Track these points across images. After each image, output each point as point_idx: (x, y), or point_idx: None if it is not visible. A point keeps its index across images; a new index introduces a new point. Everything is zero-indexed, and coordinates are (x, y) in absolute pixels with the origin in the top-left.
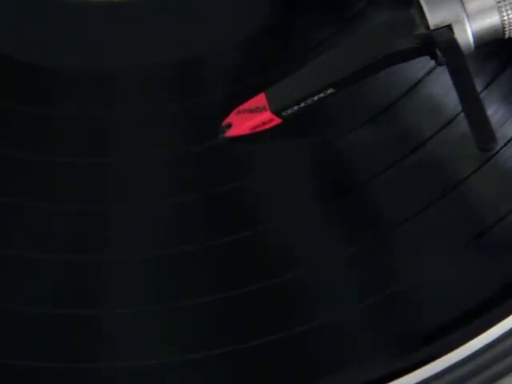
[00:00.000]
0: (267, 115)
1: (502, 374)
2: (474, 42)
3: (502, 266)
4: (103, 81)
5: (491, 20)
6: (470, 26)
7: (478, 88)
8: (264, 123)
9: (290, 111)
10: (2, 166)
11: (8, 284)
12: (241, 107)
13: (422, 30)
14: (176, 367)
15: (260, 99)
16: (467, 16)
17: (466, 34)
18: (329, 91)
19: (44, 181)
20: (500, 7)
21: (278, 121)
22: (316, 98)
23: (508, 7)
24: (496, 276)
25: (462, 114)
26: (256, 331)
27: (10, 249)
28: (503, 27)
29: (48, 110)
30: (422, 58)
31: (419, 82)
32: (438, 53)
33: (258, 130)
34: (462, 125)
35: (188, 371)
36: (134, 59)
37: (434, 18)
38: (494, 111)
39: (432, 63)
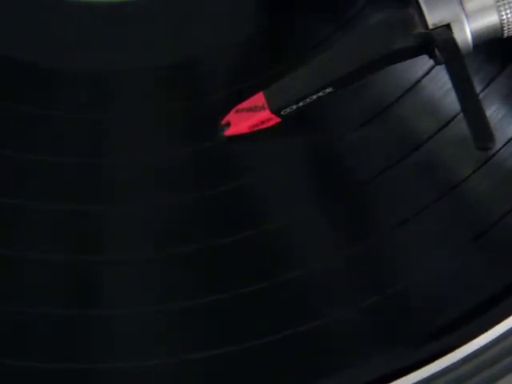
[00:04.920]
0: (266, 114)
1: (502, 374)
2: (473, 41)
3: (502, 266)
4: (103, 81)
5: (490, 19)
6: (469, 25)
7: (478, 88)
8: (263, 122)
9: (288, 110)
10: (1, 166)
11: (8, 284)
12: (239, 106)
13: (420, 30)
14: (176, 367)
15: (259, 98)
16: (466, 15)
17: (465, 33)
18: (327, 90)
19: (44, 181)
20: (499, 6)
21: (276, 120)
22: (315, 97)
23: (507, 6)
24: (496, 276)
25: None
26: (256, 331)
27: (9, 249)
28: (502, 26)
29: (48, 110)
30: (421, 58)
31: (418, 81)
32: (437, 52)
33: (257, 128)
34: (462, 124)
35: (188, 371)
36: (133, 59)
37: (433, 17)
38: (493, 111)
39: (431, 63)
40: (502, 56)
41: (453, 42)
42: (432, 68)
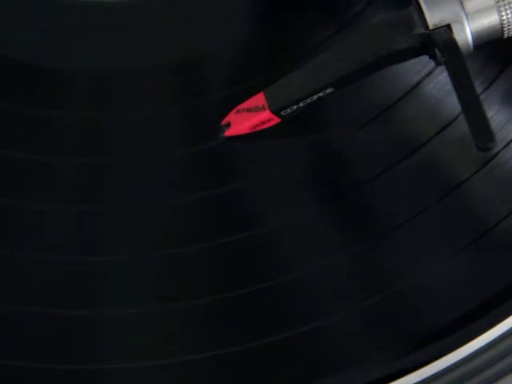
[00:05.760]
0: (266, 115)
1: (502, 374)
2: (473, 41)
3: (502, 266)
4: (103, 81)
5: (490, 20)
6: (469, 25)
7: (479, 89)
8: (263, 122)
9: (288, 111)
10: (1, 166)
11: (8, 284)
12: (240, 106)
13: (420, 30)
14: (176, 367)
15: (259, 98)
16: (466, 16)
17: (465, 33)
18: (328, 90)
19: (44, 181)
20: (499, 7)
21: (277, 120)
22: (315, 97)
23: (507, 7)
24: (496, 276)
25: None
26: (256, 331)
27: (9, 249)
28: (502, 27)
29: (48, 110)
30: (422, 59)
31: (419, 82)
32: (437, 53)
33: (257, 129)
34: (463, 126)
35: (188, 371)
36: (133, 59)
37: (433, 17)
38: (494, 112)
39: (432, 64)
40: (502, 57)
41: (453, 43)
42: (433, 69)
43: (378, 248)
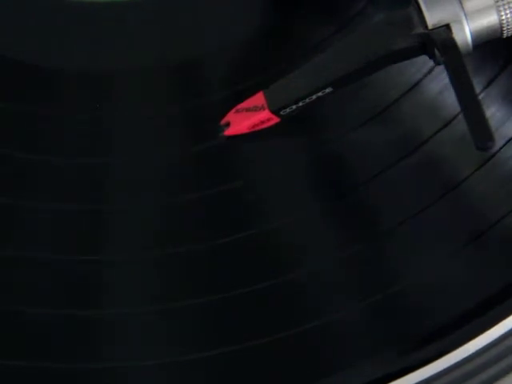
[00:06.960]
0: (265, 114)
1: (502, 374)
2: (472, 41)
3: (501, 266)
4: (103, 81)
5: (489, 19)
6: (468, 25)
7: (478, 88)
8: (262, 122)
9: (288, 110)
10: (1, 166)
11: (8, 284)
12: (239, 106)
13: (420, 30)
14: (176, 367)
15: (258, 98)
16: (465, 15)
17: (464, 33)
18: (327, 90)
19: (44, 181)
20: (498, 6)
21: (276, 120)
22: (314, 97)
23: (506, 6)
24: (496, 276)
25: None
26: (256, 331)
27: (9, 249)
28: (501, 26)
29: (48, 110)
30: (421, 58)
31: (419, 82)
32: (437, 52)
33: (257, 128)
34: (462, 125)
35: (188, 371)
36: (133, 59)
37: (432, 17)
38: (493, 111)
39: (431, 63)
40: (501, 56)
41: (452, 43)
42: (432, 68)
43: (377, 248)
